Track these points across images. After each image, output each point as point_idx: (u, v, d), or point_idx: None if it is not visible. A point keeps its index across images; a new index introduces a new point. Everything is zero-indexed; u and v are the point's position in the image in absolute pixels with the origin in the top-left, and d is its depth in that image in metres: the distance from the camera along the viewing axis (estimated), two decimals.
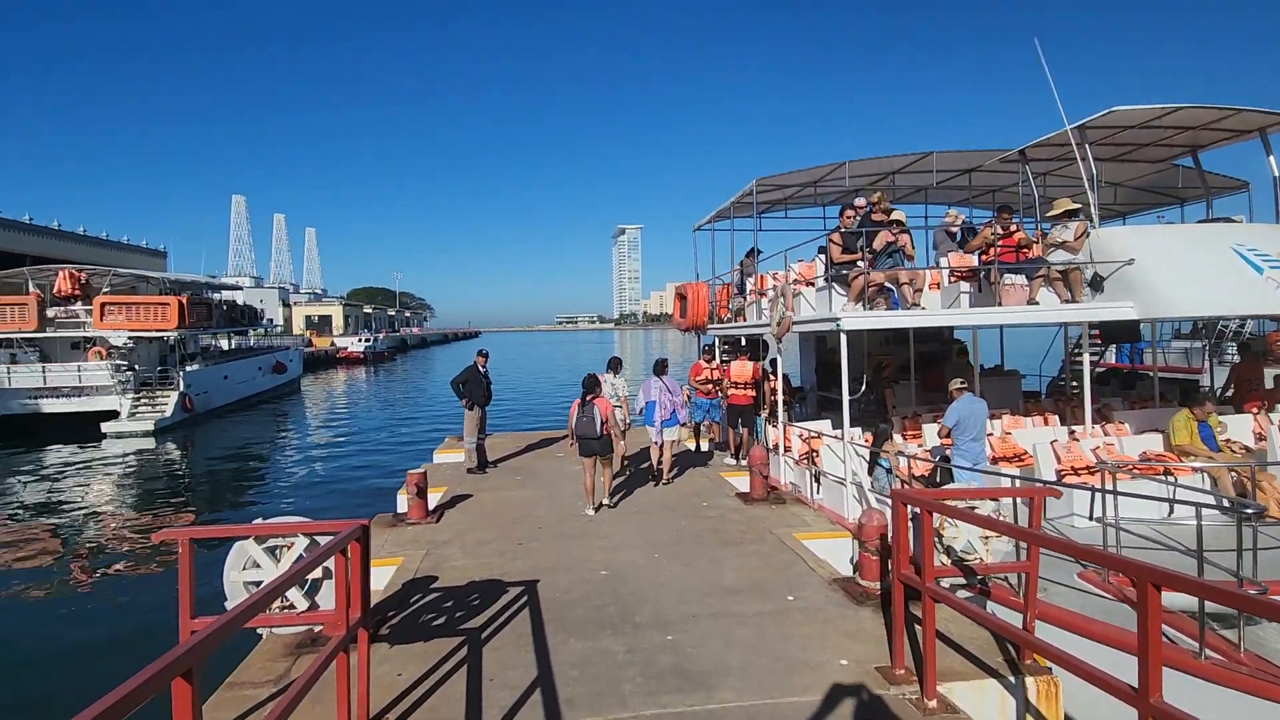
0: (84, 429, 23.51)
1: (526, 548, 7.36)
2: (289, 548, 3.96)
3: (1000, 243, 8.59)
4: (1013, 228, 8.61)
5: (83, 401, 24.57)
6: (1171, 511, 7.56)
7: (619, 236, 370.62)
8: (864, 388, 9.74)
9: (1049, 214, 8.57)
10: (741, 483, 9.85)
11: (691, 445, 12.64)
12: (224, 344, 38.04)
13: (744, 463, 11.23)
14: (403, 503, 8.84)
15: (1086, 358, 9.00)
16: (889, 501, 8.18)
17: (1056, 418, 10.28)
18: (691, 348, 17.88)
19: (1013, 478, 8.34)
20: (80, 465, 19.68)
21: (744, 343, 12.14)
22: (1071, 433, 9.25)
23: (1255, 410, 9.34)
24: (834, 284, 8.83)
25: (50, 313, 26.61)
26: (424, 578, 6.56)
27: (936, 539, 4.56)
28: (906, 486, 7.93)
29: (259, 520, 4.21)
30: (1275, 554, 5.22)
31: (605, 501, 8.89)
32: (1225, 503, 7.00)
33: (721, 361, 12.41)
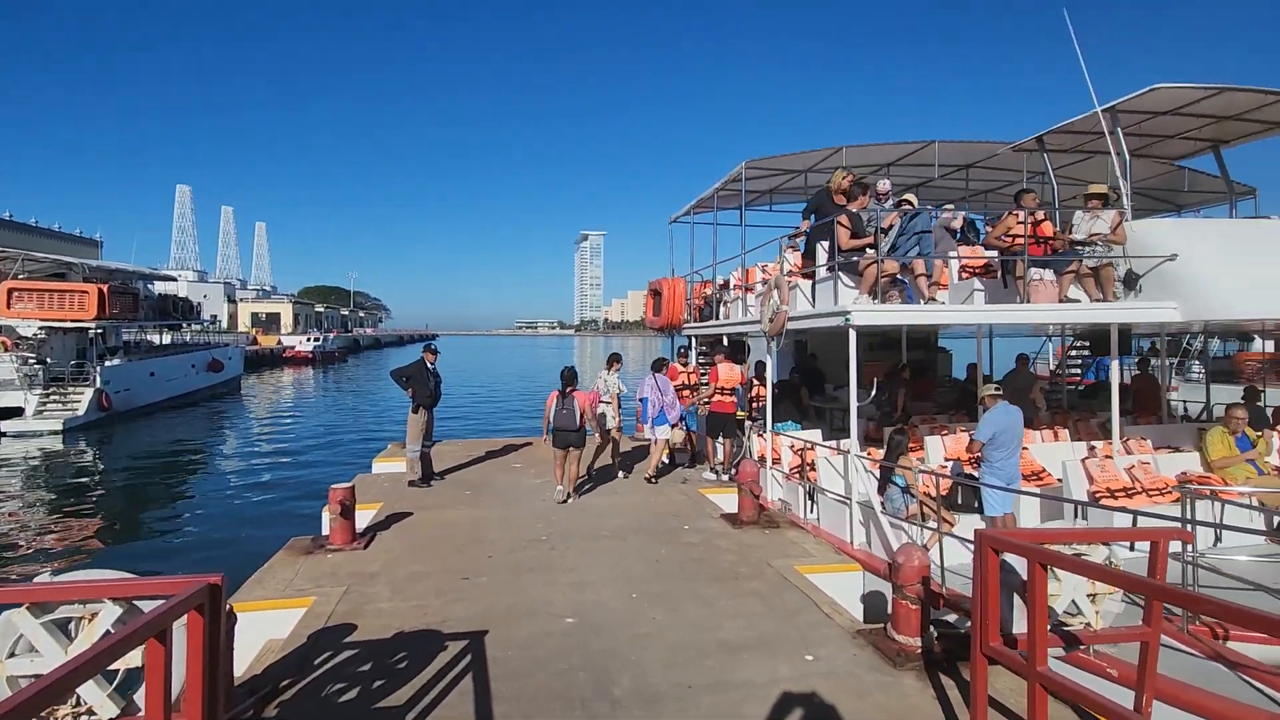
0: None
1: (473, 584, 5.94)
2: (90, 619, 2.54)
3: (1020, 234, 7.56)
4: (1040, 215, 7.60)
5: None
6: (1218, 540, 6.66)
7: (582, 242, 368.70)
8: (875, 391, 8.64)
9: (1086, 193, 7.58)
10: (727, 502, 8.60)
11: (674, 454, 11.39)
12: (156, 339, 35.27)
13: (725, 477, 10.01)
14: (328, 523, 7.34)
15: (1116, 364, 8.04)
16: (904, 527, 7.11)
17: (1066, 432, 9.35)
18: (652, 353, 16.63)
19: (1041, 497, 7.36)
20: None
21: (726, 343, 10.93)
22: (1091, 449, 8.31)
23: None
24: (841, 274, 7.68)
25: None
26: (338, 627, 5.11)
27: (1024, 596, 3.39)
28: (923, 508, 6.80)
29: (45, 578, 2.78)
30: None
31: (570, 493, 8.85)
32: None
33: (699, 364, 11.20)
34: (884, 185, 8.03)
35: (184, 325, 38.40)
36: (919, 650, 4.51)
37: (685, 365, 11.48)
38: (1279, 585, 5.03)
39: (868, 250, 7.41)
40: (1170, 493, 7.11)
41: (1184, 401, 14.52)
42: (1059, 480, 7.78)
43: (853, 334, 7.17)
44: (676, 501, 8.94)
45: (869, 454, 7.91)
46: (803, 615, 5.27)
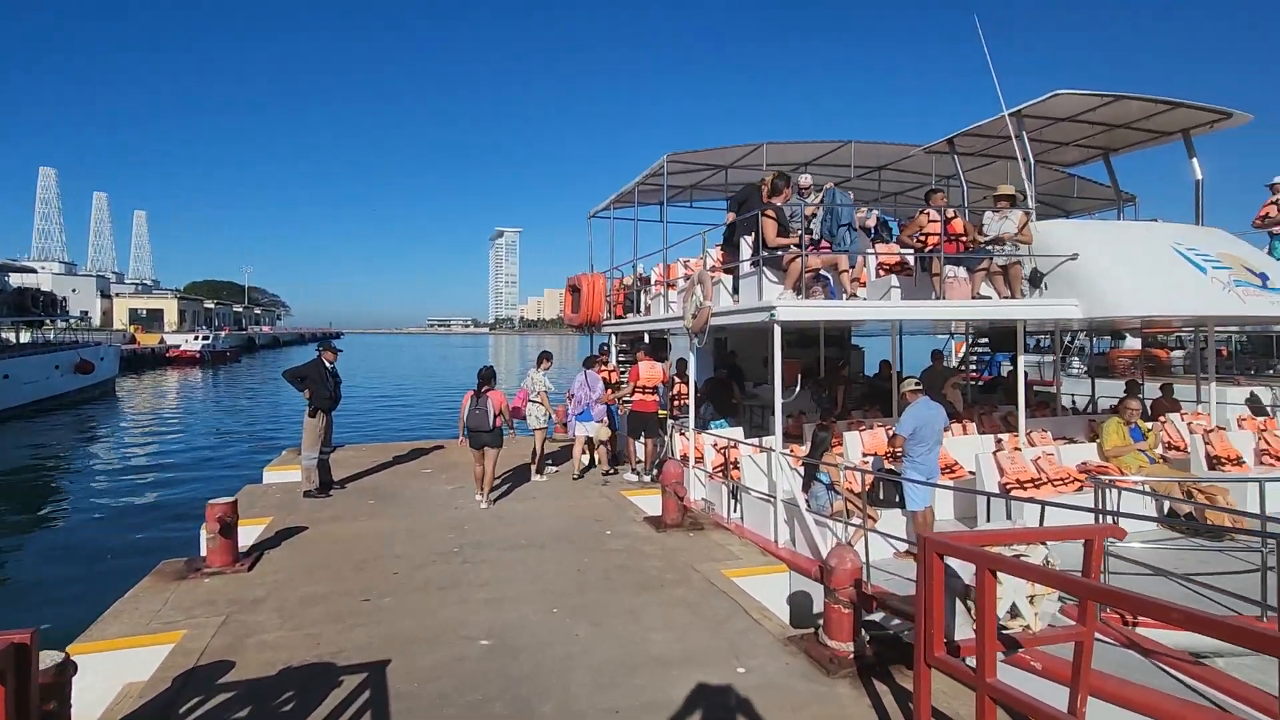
0: None
1: (376, 606, 5.37)
2: None
3: (936, 231, 7.69)
4: (951, 214, 7.75)
5: None
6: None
7: (497, 239, 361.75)
8: (798, 388, 8.60)
9: (995, 194, 7.80)
10: (650, 504, 8.33)
11: (585, 458, 11.02)
12: (11, 337, 31.49)
13: (648, 478, 9.76)
14: (206, 543, 6.51)
15: (1021, 361, 8.34)
16: (829, 524, 7.06)
17: (973, 425, 9.67)
18: (570, 351, 16.19)
19: (959, 490, 7.51)
20: None
21: (647, 340, 10.67)
22: (998, 441, 8.60)
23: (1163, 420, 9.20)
24: (765, 269, 7.55)
25: None
26: (213, 665, 4.44)
27: (967, 602, 3.27)
28: (847, 505, 6.77)
29: None
30: None
31: (485, 496, 8.60)
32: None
33: (619, 362, 10.89)
34: (805, 179, 7.99)
35: (46, 322, 34.57)
36: (852, 656, 4.37)
37: (606, 363, 11.13)
38: (1177, 570, 5.24)
39: (792, 246, 7.32)
40: (1072, 482, 7.42)
41: (1071, 395, 15.50)
42: (971, 473, 7.99)
43: (777, 330, 7.05)
44: (598, 505, 8.58)
45: (791, 451, 7.86)
46: (732, 623, 5.04)
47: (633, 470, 10.03)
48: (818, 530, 6.60)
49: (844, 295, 7.39)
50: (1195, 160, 8.82)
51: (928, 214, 7.83)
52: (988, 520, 7.23)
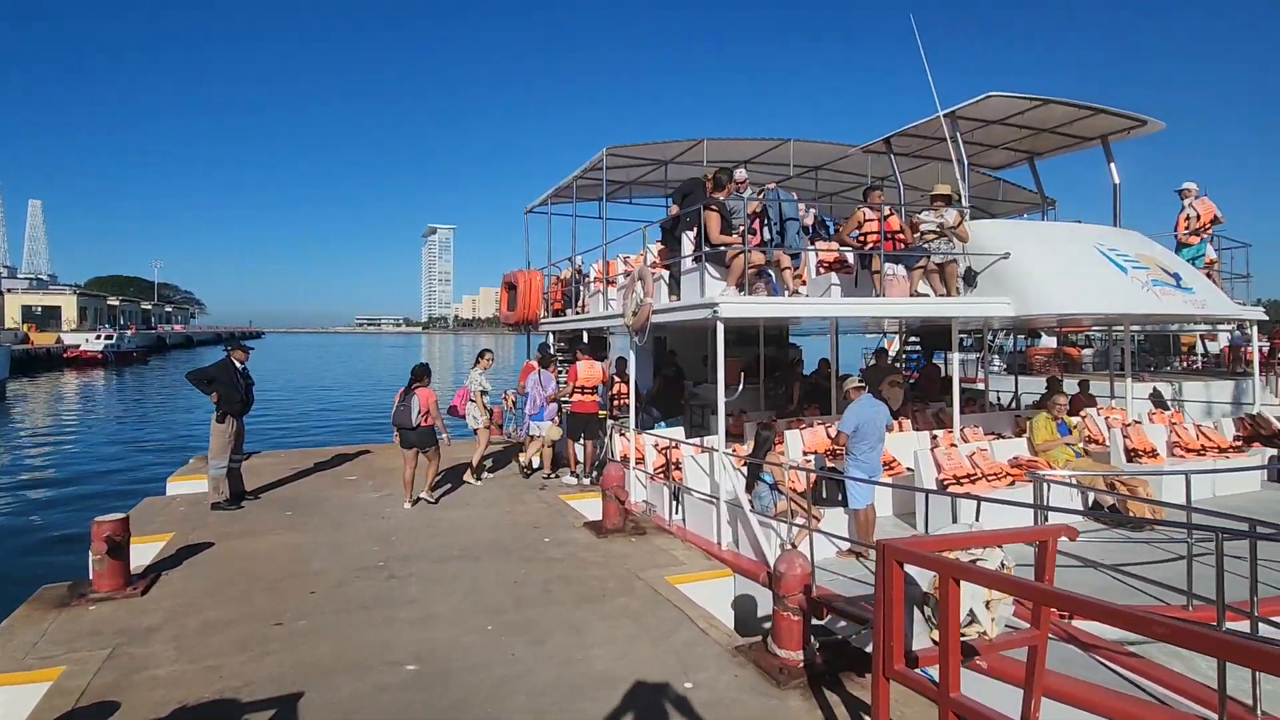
0: None
1: (289, 631, 4.88)
2: None
3: (875, 229, 7.71)
4: (888, 211, 7.78)
5: None
6: (1044, 519, 7.16)
7: (430, 236, 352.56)
8: (741, 386, 8.47)
9: (931, 194, 7.88)
10: (590, 508, 8.05)
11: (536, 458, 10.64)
12: None
13: (587, 481, 9.46)
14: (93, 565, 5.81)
15: (957, 359, 8.47)
16: (773, 525, 6.95)
17: (908, 422, 9.81)
18: (507, 350, 15.71)
19: (896, 487, 7.54)
20: None
21: (586, 339, 10.36)
22: (933, 438, 8.73)
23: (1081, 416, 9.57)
24: (708, 265, 7.38)
25: None
26: (95, 707, 3.89)
27: (924, 609, 3.14)
28: (791, 504, 6.66)
29: None
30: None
31: (425, 496, 8.40)
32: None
33: (560, 362, 10.56)
34: (740, 174, 7.87)
35: None
36: (802, 665, 4.21)
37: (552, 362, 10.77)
38: (1104, 561, 5.35)
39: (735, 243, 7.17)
40: (1005, 477, 7.57)
41: (997, 392, 16.08)
42: (909, 469, 8.06)
43: (720, 327, 6.88)
44: (536, 510, 8.23)
45: (734, 451, 7.72)
46: (679, 634, 4.81)
47: (571, 473, 9.71)
48: (762, 531, 6.46)
49: (786, 292, 7.29)
50: (1113, 165, 9.20)
51: (864, 211, 7.84)
52: (927, 517, 7.30)
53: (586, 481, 9.44)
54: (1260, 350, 22.49)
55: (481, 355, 9.89)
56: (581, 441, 9.54)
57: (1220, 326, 21.99)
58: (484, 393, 9.60)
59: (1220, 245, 10.61)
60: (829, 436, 9.06)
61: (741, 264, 6.94)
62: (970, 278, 7.92)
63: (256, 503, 8.51)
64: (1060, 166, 12.75)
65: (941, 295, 7.92)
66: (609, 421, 9.67)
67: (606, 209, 10.82)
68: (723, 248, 7.08)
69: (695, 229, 7.52)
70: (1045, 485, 5.33)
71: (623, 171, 11.77)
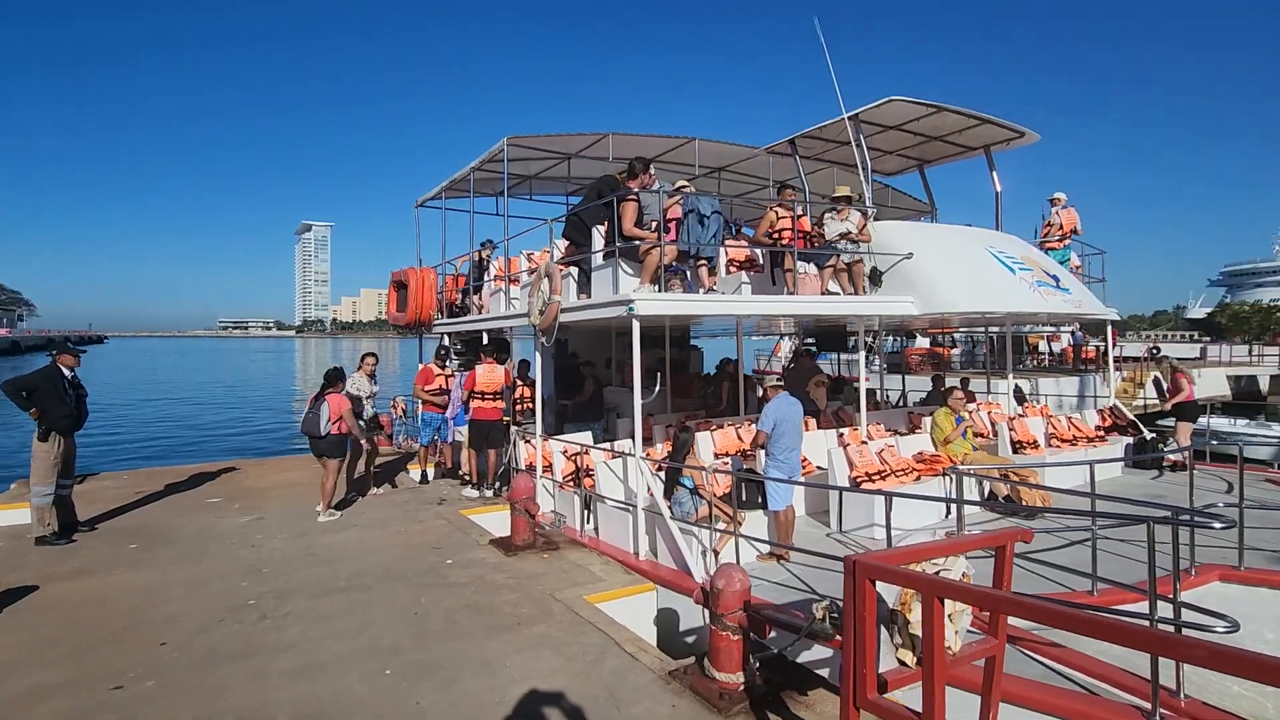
0: None
1: (132, 696, 4.00)
2: None
3: (789, 227, 7.68)
4: (799, 211, 7.76)
5: None
6: (947, 514, 7.37)
7: (304, 234, 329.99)
8: (659, 386, 8.13)
9: (833, 195, 7.95)
10: (495, 523, 7.46)
11: (426, 470, 9.84)
12: None
13: (489, 493, 8.82)
14: None
15: (863, 358, 8.60)
16: (694, 532, 6.66)
17: (813, 421, 9.93)
18: (392, 355, 14.65)
19: (814, 486, 7.50)
20: None
21: (486, 341, 9.69)
22: (840, 435, 8.84)
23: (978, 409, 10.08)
24: (621, 260, 7.00)
25: None
26: None
27: (893, 626, 2.91)
28: (712, 509, 6.41)
29: None
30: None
31: (319, 511, 7.83)
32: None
33: (458, 366, 9.83)
34: (652, 171, 7.59)
35: None
36: (743, 688, 3.92)
37: (443, 367, 9.99)
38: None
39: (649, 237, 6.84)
40: (912, 472, 7.74)
41: (885, 390, 16.82)
42: (820, 468, 8.08)
43: (636, 325, 6.53)
44: (435, 528, 7.51)
45: (648, 455, 7.40)
46: (606, 662, 4.39)
47: (473, 485, 9.03)
48: (683, 539, 6.16)
49: (702, 289, 7.06)
50: (995, 174, 9.73)
51: (776, 210, 7.78)
52: (840, 515, 7.31)
53: (489, 494, 8.79)
54: (1096, 349, 25.31)
55: (365, 358, 9.04)
56: (484, 451, 8.88)
57: (1063, 328, 24.45)
58: (368, 397, 8.77)
59: (1081, 252, 11.55)
60: (739, 438, 8.98)
61: (656, 259, 6.62)
62: (876, 277, 8.05)
63: (92, 535, 7.21)
64: (941, 176, 13.55)
65: (850, 294, 8.00)
66: (513, 428, 9.07)
67: (508, 204, 10.19)
68: (638, 242, 6.73)
69: (608, 223, 7.13)
70: (958, 479, 5.34)
71: (523, 165, 11.20)
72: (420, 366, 10.29)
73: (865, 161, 8.36)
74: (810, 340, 17.16)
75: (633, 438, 6.73)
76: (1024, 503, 7.65)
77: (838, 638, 4.41)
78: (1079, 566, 5.25)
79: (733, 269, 8.50)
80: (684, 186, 6.98)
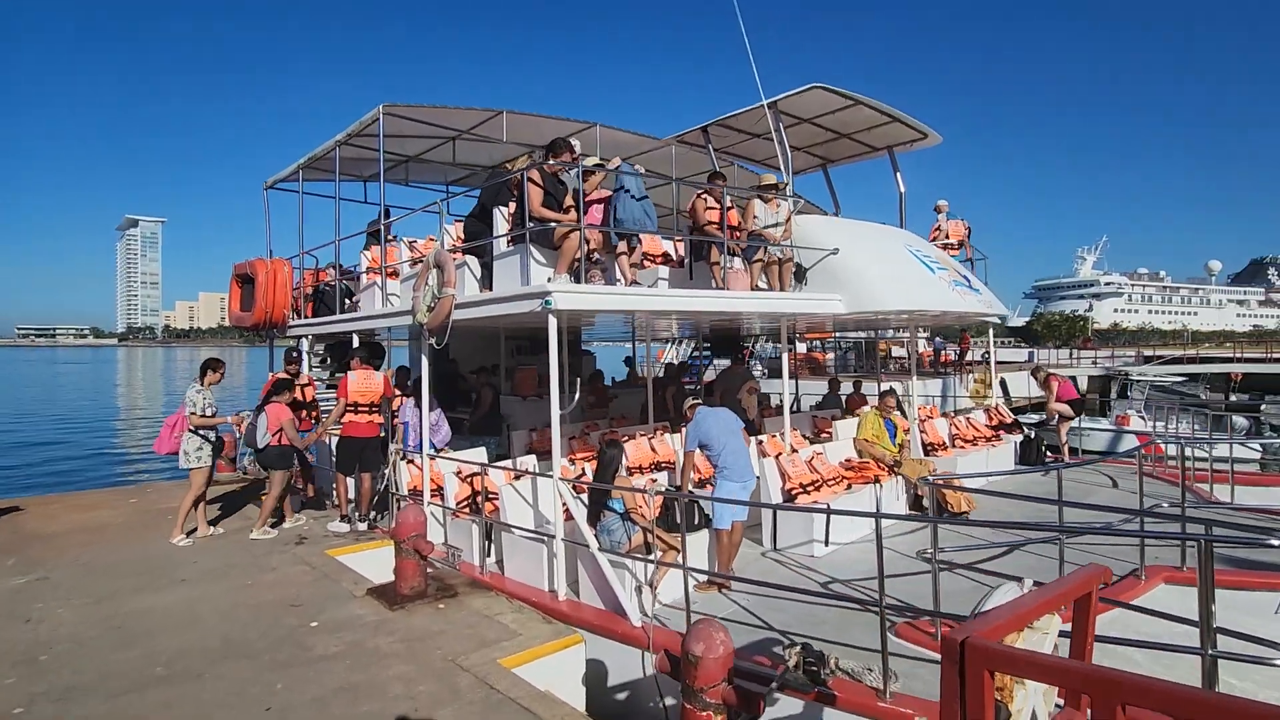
0: None
1: None
2: None
3: (716, 219, 6.98)
4: (727, 202, 7.09)
5: None
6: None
7: (129, 230, 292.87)
8: (576, 397, 7.06)
9: (759, 185, 7.37)
10: (372, 566, 6.11)
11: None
12: None
13: (363, 526, 7.39)
14: None
15: (785, 360, 8.06)
16: (627, 565, 5.69)
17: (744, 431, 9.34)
18: (239, 364, 12.52)
19: (751, 505, 6.76)
20: None
21: (356, 344, 8.19)
22: (759, 443, 8.28)
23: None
24: (531, 247, 5.92)
25: None
26: None
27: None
28: (647, 536, 5.49)
29: None
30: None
31: (255, 534, 7.19)
32: None
33: (331, 374, 8.27)
34: (577, 144, 6.61)
35: None
36: None
37: (297, 374, 8.34)
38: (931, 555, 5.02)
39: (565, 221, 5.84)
40: (842, 481, 7.27)
41: (778, 395, 16.75)
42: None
43: (553, 322, 5.49)
44: (293, 577, 5.98)
45: (563, 473, 6.36)
46: None
47: (343, 518, 7.52)
48: (614, 573, 5.20)
49: (624, 281, 6.17)
50: (899, 175, 9.66)
51: (704, 199, 7.07)
52: (774, 528, 6.68)
53: (363, 527, 7.35)
54: (945, 354, 27.24)
55: (207, 368, 7.28)
56: (358, 475, 7.42)
57: (920, 333, 26.09)
58: (213, 414, 7.07)
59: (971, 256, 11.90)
60: (652, 448, 8.18)
61: (574, 245, 5.64)
62: (800, 274, 7.55)
63: None
64: (837, 179, 13.53)
65: (776, 290, 7.44)
66: (392, 446, 7.64)
67: (384, 187, 8.66)
68: (553, 225, 5.71)
69: (515, 205, 6.06)
70: (930, 490, 4.81)
71: (399, 143, 9.75)
72: (270, 376, 8.57)
73: (786, 152, 7.87)
74: (707, 344, 16.78)
75: (545, 455, 5.72)
76: (949, 506, 7.46)
77: (816, 690, 3.70)
78: (1019, 574, 4.89)
79: (649, 262, 7.69)
80: (609, 161, 6.07)
